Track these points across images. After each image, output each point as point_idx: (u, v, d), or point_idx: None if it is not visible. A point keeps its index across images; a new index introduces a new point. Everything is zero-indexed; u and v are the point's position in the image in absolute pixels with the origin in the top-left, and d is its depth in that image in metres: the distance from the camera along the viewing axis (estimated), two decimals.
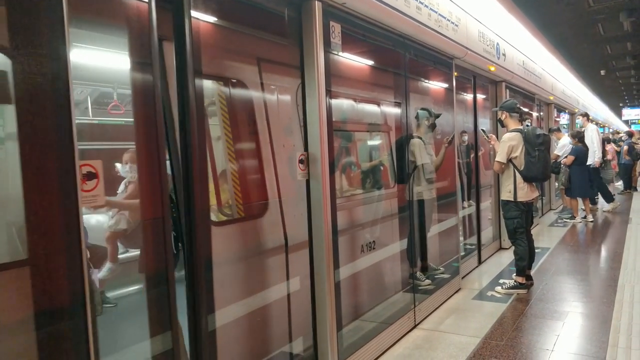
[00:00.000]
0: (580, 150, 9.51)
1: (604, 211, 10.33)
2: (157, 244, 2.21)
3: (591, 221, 9.48)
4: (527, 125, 5.62)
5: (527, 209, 5.27)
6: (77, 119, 5.99)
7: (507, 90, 7.65)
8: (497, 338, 3.98)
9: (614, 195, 11.65)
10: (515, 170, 5.16)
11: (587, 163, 10.06)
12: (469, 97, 6.75)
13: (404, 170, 4.55)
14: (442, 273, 5.10)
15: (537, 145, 5.08)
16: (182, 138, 2.42)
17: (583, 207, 9.80)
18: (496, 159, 5.25)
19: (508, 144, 5.18)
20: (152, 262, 2.28)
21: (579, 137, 9.65)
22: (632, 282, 5.31)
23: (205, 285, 2.48)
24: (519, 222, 5.21)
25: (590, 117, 19.13)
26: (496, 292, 5.18)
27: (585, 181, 9.53)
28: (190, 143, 2.40)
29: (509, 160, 5.20)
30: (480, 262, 6.56)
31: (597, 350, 3.69)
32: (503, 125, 5.48)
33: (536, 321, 4.32)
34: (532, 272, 5.49)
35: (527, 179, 5.15)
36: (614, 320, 4.23)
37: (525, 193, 5.18)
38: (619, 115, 36.21)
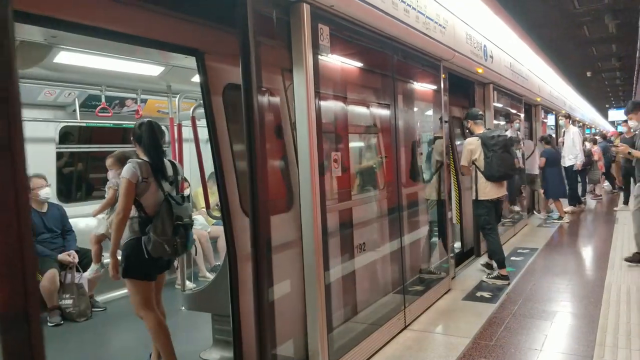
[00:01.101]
0: (550, 153, 9.79)
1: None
2: (10, 273, 1.59)
3: (567, 222, 9.56)
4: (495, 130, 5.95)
5: (493, 206, 5.68)
6: (64, 121, 5.95)
7: (495, 92, 7.71)
8: (486, 338, 4.00)
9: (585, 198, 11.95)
10: (478, 171, 5.59)
11: (568, 164, 10.25)
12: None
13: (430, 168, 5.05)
14: (432, 273, 5.15)
15: (492, 147, 5.50)
16: (248, 143, 2.77)
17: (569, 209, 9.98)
18: (460, 163, 5.78)
19: (467, 148, 5.66)
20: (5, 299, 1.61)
21: (547, 140, 10.02)
22: (619, 281, 5.37)
23: (266, 263, 2.86)
24: (485, 219, 5.66)
25: (577, 119, 19.35)
26: (483, 280, 5.60)
27: (558, 182, 9.82)
28: (254, 147, 2.75)
29: (473, 163, 5.65)
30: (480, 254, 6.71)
31: (584, 349, 3.73)
32: (471, 133, 5.86)
33: (525, 321, 4.36)
34: (521, 272, 5.56)
35: (487, 178, 5.54)
36: (602, 319, 4.28)
37: (488, 192, 5.59)
38: (606, 116, 36.64)
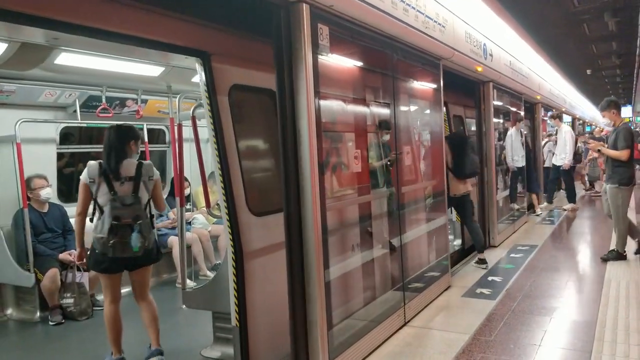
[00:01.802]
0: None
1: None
2: None
3: (538, 214, 10.15)
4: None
5: (460, 201, 6.18)
6: (65, 122, 6.02)
7: (495, 90, 7.73)
8: (486, 334, 4.03)
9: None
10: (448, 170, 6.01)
11: (559, 164, 10.40)
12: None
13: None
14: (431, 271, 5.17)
15: (462, 148, 6.06)
16: (283, 145, 3.09)
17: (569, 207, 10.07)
18: None
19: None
20: None
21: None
22: (618, 277, 5.40)
23: (300, 249, 3.13)
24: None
25: (577, 116, 19.30)
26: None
27: (534, 178, 10.47)
28: (288, 149, 3.06)
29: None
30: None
31: (583, 344, 3.75)
32: None
33: (524, 317, 4.38)
34: (521, 269, 5.59)
35: (458, 176, 6.06)
36: (600, 315, 4.30)
37: (456, 188, 6.08)
38: None
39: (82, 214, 3.76)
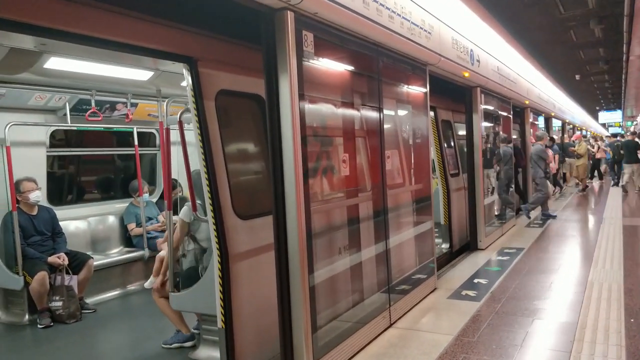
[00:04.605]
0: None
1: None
2: None
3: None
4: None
5: None
6: (55, 125, 6.04)
7: (482, 95, 7.83)
8: (469, 335, 4.10)
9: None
10: None
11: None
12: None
13: None
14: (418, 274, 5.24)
15: None
16: (272, 151, 3.22)
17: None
18: None
19: None
20: None
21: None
22: (601, 280, 5.49)
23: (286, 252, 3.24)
24: None
25: (567, 121, 19.39)
26: None
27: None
28: (280, 155, 3.20)
29: None
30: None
31: (564, 344, 3.83)
32: None
33: (507, 318, 4.46)
34: (507, 272, 5.68)
35: None
36: (582, 316, 4.38)
37: None
38: (596, 118, 37.00)
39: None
